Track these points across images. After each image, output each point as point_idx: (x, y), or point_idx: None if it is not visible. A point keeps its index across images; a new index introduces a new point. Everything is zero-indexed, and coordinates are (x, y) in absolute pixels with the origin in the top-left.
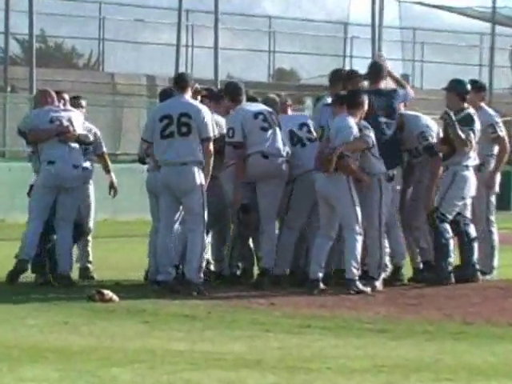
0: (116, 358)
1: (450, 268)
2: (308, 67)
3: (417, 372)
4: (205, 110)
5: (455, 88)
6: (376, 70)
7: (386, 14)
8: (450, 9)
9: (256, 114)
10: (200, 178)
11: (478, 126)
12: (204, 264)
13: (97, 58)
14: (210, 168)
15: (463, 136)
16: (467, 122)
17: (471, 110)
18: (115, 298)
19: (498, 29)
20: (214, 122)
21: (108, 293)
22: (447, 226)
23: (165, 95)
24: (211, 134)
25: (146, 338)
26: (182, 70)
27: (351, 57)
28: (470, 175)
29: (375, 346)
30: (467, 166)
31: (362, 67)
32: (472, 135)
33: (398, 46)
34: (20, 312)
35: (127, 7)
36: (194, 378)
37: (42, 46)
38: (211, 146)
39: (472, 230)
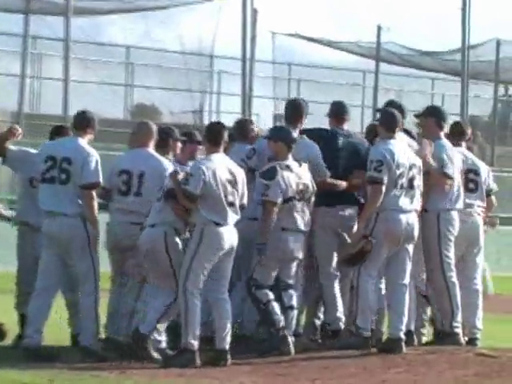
0: None
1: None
2: (171, 103)
3: None
4: (90, 155)
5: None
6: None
7: (258, 46)
8: (329, 43)
9: None
10: (86, 232)
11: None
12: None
13: None
14: (94, 220)
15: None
16: None
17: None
18: None
19: (383, 66)
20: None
21: None
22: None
23: (56, 133)
24: (92, 181)
25: None
26: (26, 103)
27: (219, 93)
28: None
29: None
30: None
31: (231, 104)
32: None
33: (270, 82)
34: None
35: None
36: None
37: None
38: (93, 195)
39: (288, 298)
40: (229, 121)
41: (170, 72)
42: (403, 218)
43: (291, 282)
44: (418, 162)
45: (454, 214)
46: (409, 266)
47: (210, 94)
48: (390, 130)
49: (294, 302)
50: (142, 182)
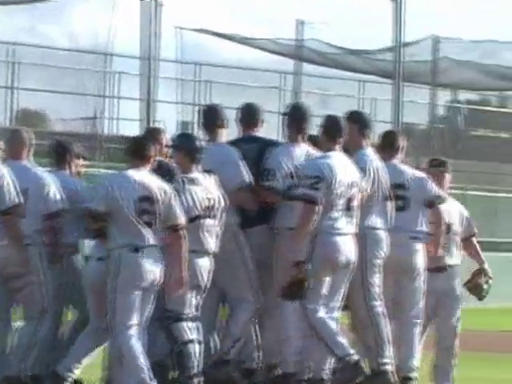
0: None
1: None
2: (61, 108)
3: None
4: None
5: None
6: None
7: (162, 43)
8: (243, 40)
9: None
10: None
11: None
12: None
13: None
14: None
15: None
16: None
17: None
18: None
19: (304, 67)
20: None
21: None
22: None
23: None
24: (5, 206)
25: None
26: None
27: (119, 98)
28: None
29: None
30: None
31: (131, 110)
32: None
33: (176, 84)
34: None
35: None
36: None
37: None
38: (11, 221)
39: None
40: (129, 129)
41: (60, 72)
42: (341, 241)
43: (191, 312)
44: (358, 180)
45: (381, 234)
46: (343, 293)
47: (107, 98)
48: (333, 140)
49: (196, 335)
50: (26, 200)
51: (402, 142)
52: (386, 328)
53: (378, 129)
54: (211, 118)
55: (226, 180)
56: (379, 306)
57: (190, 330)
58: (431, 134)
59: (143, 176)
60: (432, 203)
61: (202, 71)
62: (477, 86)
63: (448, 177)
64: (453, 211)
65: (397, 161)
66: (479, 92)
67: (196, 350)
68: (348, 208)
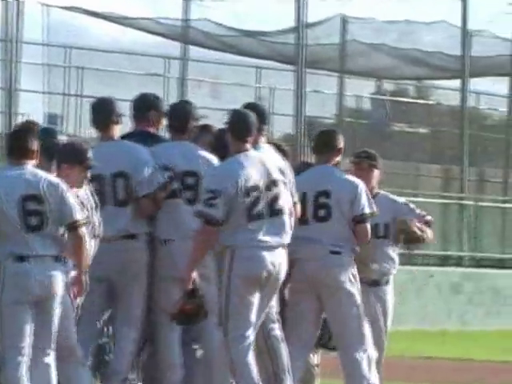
0: None
1: None
2: None
3: None
4: None
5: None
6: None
7: (25, 23)
8: (120, 20)
9: None
10: None
11: None
12: None
13: None
14: None
15: None
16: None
17: None
18: None
19: (192, 51)
20: None
21: None
22: None
23: None
24: None
25: None
26: None
27: None
28: None
29: None
30: None
31: None
32: None
33: (42, 70)
34: None
35: None
36: None
37: None
38: None
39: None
40: None
41: None
42: (266, 255)
43: None
44: (281, 176)
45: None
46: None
47: None
48: (241, 139)
49: None
50: None
51: (339, 142)
52: (284, 354)
53: (278, 123)
54: (104, 112)
55: (139, 183)
56: (277, 329)
57: None
58: (339, 129)
59: (27, 172)
60: (358, 220)
61: (73, 56)
62: (391, 73)
63: (377, 173)
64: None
65: (331, 165)
66: (395, 81)
67: None
68: (272, 213)
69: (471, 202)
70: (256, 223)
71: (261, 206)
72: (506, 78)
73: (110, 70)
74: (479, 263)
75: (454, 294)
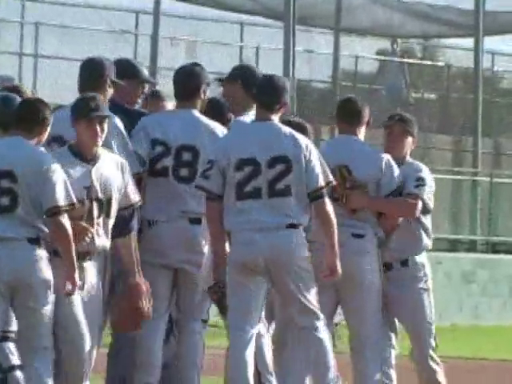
0: None
1: None
2: None
3: None
4: None
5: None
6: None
7: None
8: None
9: None
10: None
11: None
12: None
13: None
14: None
15: None
16: None
17: None
18: None
19: (165, 5)
20: None
21: None
22: None
23: None
24: None
25: None
26: None
27: None
28: None
29: None
30: None
31: None
32: None
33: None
34: None
35: None
36: None
37: None
38: None
39: None
40: None
41: None
42: (261, 238)
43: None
44: (290, 152)
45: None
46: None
47: None
48: (265, 106)
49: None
50: None
51: (366, 112)
52: (269, 352)
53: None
54: (91, 75)
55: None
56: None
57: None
58: (335, 93)
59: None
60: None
61: (27, 11)
62: (394, 30)
63: (410, 141)
64: None
65: (357, 137)
66: (399, 39)
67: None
68: (272, 193)
69: (485, 179)
70: (247, 202)
71: (256, 184)
72: None
73: (70, 26)
74: (494, 248)
75: (465, 283)
